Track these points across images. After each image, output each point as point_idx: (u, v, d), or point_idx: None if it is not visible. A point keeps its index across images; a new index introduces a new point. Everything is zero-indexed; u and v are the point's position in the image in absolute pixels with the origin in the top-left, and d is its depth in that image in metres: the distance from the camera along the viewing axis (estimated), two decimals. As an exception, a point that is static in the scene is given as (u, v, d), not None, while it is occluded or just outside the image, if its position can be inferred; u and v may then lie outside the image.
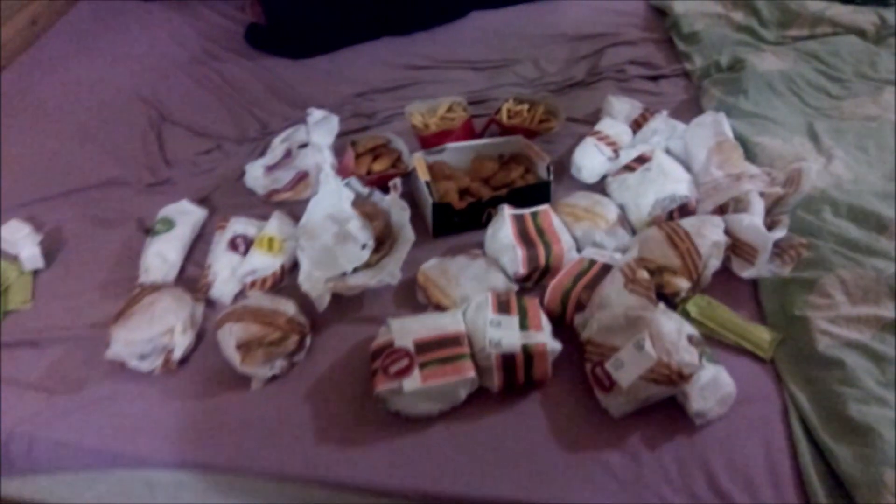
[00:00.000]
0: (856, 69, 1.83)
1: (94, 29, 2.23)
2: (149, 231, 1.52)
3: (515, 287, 1.36)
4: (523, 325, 1.21)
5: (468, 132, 1.68)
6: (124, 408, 1.24)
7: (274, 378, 1.26)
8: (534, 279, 1.38)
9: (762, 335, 1.26)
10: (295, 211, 1.54)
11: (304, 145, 1.67)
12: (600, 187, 1.59)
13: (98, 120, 1.89)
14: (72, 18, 2.29)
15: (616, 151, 1.63)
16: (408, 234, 1.43)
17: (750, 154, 1.55)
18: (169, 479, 1.19)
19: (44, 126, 1.87)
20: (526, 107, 1.69)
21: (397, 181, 1.50)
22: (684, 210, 1.46)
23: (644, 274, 1.26)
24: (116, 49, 2.16)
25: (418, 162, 1.56)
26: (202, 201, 1.63)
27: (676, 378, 1.12)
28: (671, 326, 1.16)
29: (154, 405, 1.24)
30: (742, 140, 1.58)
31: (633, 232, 1.47)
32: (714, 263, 1.34)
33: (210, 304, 1.40)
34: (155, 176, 1.72)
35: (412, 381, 1.15)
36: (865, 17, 1.97)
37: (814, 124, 1.64)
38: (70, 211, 1.63)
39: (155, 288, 1.34)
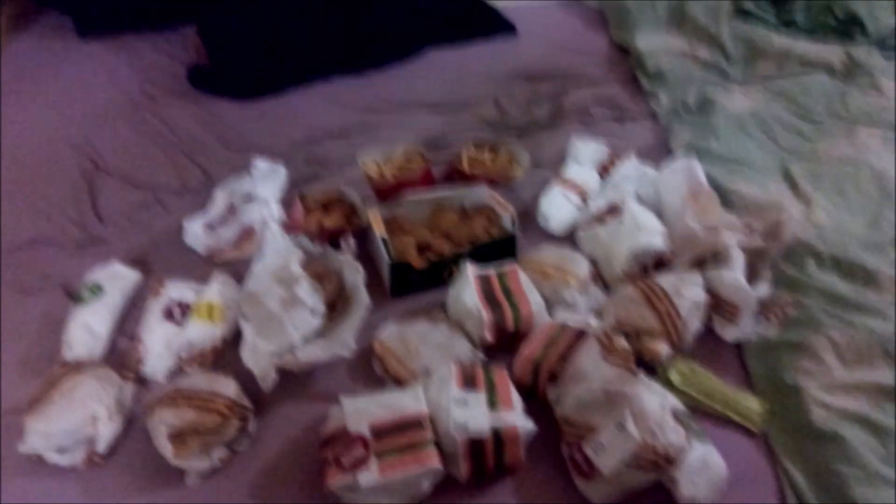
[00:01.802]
0: (827, 108, 1.77)
1: (25, 70, 2.07)
2: (75, 298, 1.36)
3: (482, 355, 1.24)
4: (492, 403, 1.09)
5: (427, 182, 1.56)
6: (40, 511, 1.08)
7: (214, 470, 1.11)
8: (502, 345, 1.26)
9: (751, 405, 1.15)
10: (240, 271, 1.40)
11: (248, 198, 1.54)
12: (569, 237, 1.49)
13: (23, 171, 1.73)
14: (2, 60, 2.13)
15: (584, 199, 1.53)
16: (362, 298, 1.30)
17: (725, 201, 1.47)
18: None
19: (-38, 179, 1.71)
20: (488, 154, 1.58)
21: (350, 238, 1.38)
22: (660, 264, 1.36)
23: (623, 343, 1.15)
24: (47, 92, 2.00)
25: (374, 217, 1.44)
26: (137, 262, 1.48)
27: (663, 462, 1.01)
28: (655, 402, 1.05)
29: (74, 507, 1.09)
30: (716, 186, 1.49)
31: (606, 287, 1.36)
32: (695, 325, 1.24)
33: (142, 382, 1.25)
34: (84, 233, 1.57)
35: (369, 475, 1.01)
36: (833, 54, 1.93)
37: (789, 168, 1.57)
38: (-14, 275, 1.47)
39: (76, 368, 1.19)
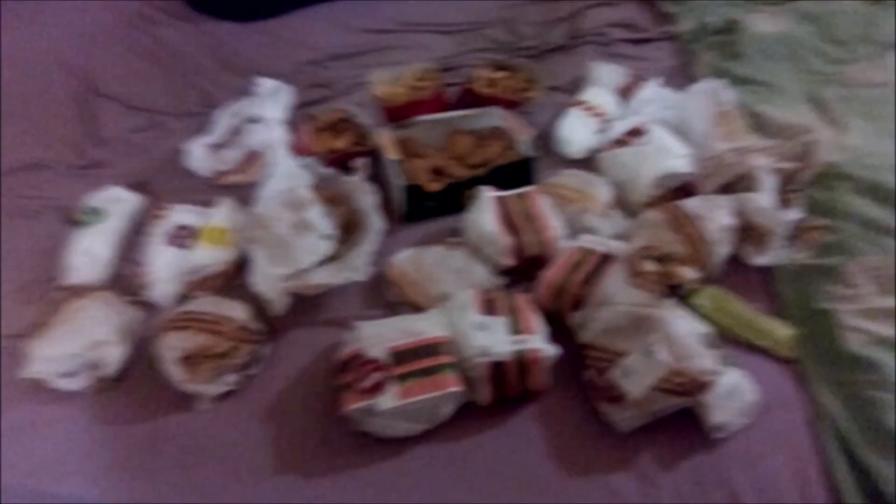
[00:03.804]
0: (857, 32, 1.68)
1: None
2: (75, 223, 1.31)
3: (501, 282, 1.19)
4: (514, 328, 1.05)
5: (440, 103, 1.50)
6: (46, 437, 1.05)
7: (225, 395, 1.08)
8: (522, 271, 1.22)
9: (782, 331, 1.11)
10: (243, 195, 1.35)
11: (253, 120, 1.47)
12: (587, 163, 1.43)
13: (18, 94, 1.66)
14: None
15: (603, 123, 1.47)
16: (375, 222, 1.25)
17: (753, 125, 1.40)
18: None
19: (-46, 103, 1.64)
20: (505, 74, 1.51)
21: (362, 161, 1.32)
22: (686, 189, 1.30)
23: (651, 265, 1.10)
24: (43, 15, 1.91)
25: (386, 138, 1.38)
26: (137, 186, 1.42)
27: (692, 387, 0.97)
28: (684, 327, 1.01)
29: (82, 432, 1.06)
30: (743, 110, 1.42)
31: (630, 214, 1.31)
32: (724, 250, 1.19)
33: (148, 307, 1.21)
34: (83, 157, 1.52)
35: (388, 399, 0.98)
36: (863, -25, 1.83)
37: (818, 91, 1.50)
38: (-16, 200, 1.41)
39: (79, 292, 1.15)
